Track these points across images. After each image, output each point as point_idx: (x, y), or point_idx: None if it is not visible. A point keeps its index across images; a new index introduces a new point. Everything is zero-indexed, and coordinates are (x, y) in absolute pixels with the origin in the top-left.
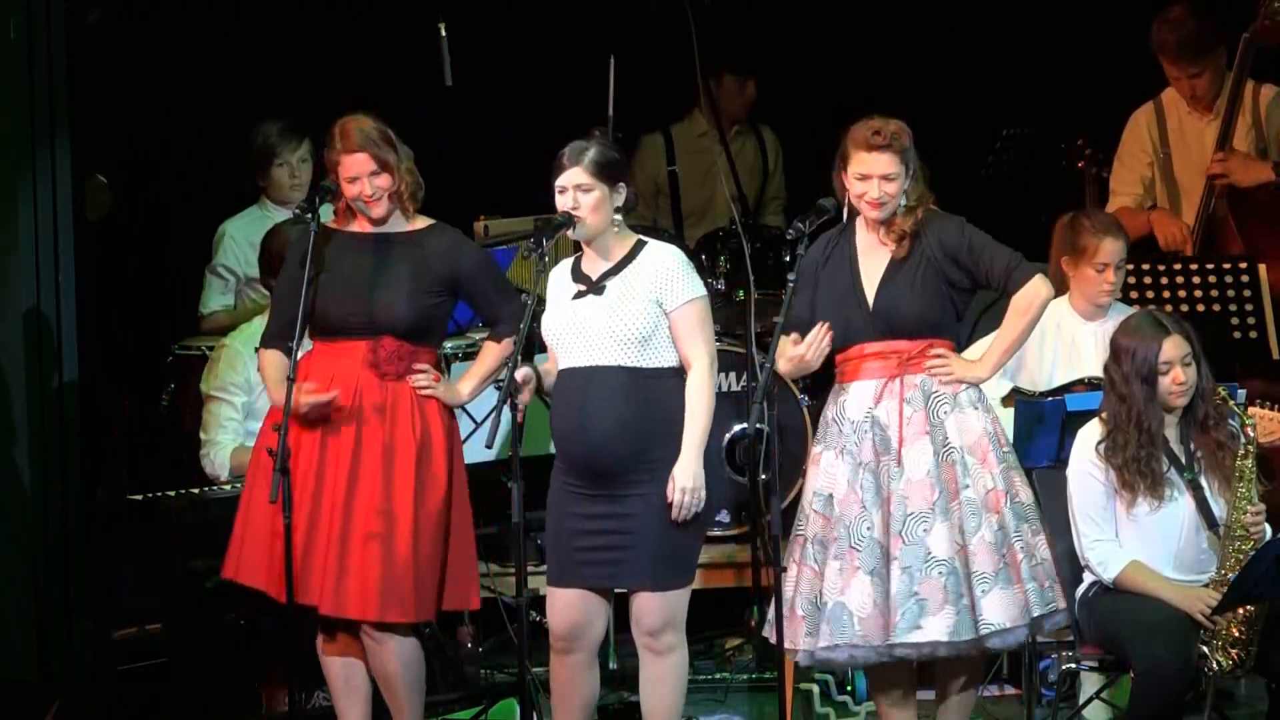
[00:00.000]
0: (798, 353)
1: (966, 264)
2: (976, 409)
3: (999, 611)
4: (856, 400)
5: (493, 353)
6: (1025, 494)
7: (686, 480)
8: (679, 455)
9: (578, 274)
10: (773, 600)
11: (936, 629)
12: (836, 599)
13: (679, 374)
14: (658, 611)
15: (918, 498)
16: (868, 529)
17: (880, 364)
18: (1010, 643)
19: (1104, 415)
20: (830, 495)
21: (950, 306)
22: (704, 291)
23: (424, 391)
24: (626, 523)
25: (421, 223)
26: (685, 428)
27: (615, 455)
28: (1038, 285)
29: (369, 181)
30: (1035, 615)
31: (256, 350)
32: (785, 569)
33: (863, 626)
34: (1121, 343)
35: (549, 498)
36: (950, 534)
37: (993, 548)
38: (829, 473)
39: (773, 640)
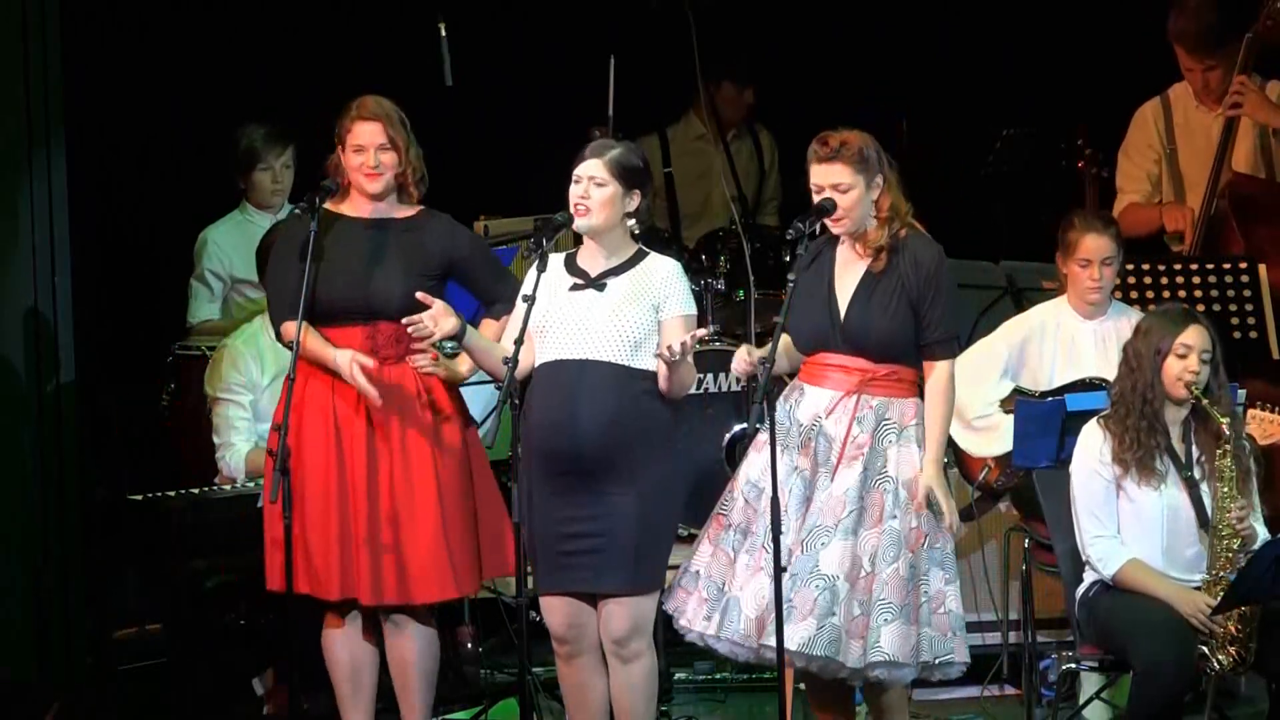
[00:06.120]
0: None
1: (919, 304)
2: (922, 447)
3: (893, 644)
4: (810, 405)
5: (491, 329)
6: (946, 543)
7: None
8: (655, 461)
9: (573, 268)
10: (773, 602)
11: (791, 637)
12: (735, 594)
13: (657, 381)
14: (626, 617)
15: (828, 512)
16: (783, 534)
17: (843, 376)
18: (895, 677)
19: (1113, 391)
20: (761, 489)
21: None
22: (695, 310)
23: (425, 370)
24: (603, 524)
25: (415, 209)
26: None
27: (601, 449)
28: (940, 374)
29: (374, 154)
30: (925, 660)
31: (278, 335)
32: (735, 558)
33: (745, 626)
34: (1146, 323)
35: (522, 505)
36: (844, 554)
37: (904, 582)
38: (765, 466)
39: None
